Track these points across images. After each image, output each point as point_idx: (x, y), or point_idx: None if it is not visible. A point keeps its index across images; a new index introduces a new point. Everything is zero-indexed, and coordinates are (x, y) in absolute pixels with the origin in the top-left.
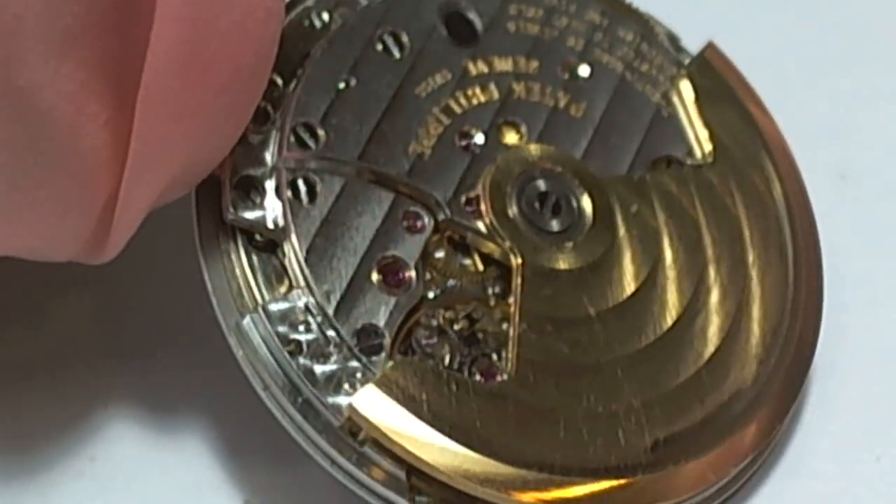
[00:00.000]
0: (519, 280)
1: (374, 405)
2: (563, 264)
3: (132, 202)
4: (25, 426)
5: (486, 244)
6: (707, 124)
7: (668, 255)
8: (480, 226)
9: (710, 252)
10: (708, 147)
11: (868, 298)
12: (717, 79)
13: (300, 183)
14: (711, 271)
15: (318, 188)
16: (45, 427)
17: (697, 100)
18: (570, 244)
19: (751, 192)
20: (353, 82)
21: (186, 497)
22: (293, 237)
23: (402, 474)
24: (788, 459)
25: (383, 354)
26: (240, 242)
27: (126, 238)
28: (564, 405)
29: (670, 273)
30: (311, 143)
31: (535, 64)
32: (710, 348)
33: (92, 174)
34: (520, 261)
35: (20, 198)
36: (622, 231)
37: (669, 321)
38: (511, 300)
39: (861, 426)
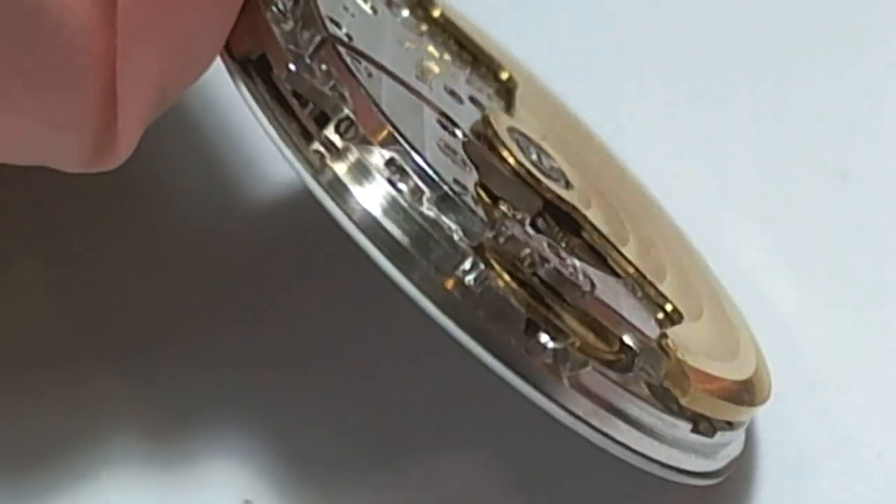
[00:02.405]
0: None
1: None
2: (582, 207)
3: (134, 81)
4: (23, 427)
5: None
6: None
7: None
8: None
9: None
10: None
11: (868, 298)
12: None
13: (348, 59)
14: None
15: (365, 65)
16: (43, 428)
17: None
18: (572, 186)
19: None
20: (347, 17)
21: (186, 497)
22: (362, 92)
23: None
24: (788, 457)
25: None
26: (295, 107)
27: (136, 131)
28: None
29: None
30: (342, 36)
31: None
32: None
33: (83, 44)
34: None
35: (9, 82)
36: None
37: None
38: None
39: (862, 424)
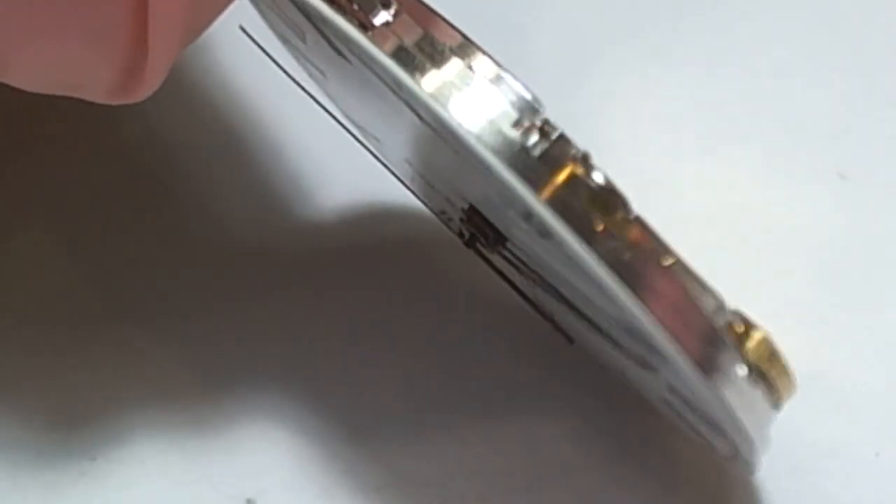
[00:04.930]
0: None
1: None
2: None
3: None
4: (25, 425)
5: None
6: None
7: None
8: None
9: None
10: None
11: (868, 298)
12: None
13: None
14: None
15: None
16: (44, 427)
17: None
18: None
19: None
20: None
21: (187, 497)
22: None
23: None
24: (788, 457)
25: None
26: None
27: (166, 56)
28: None
29: None
30: None
31: None
32: None
33: None
34: None
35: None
36: None
37: None
38: None
39: (861, 423)
